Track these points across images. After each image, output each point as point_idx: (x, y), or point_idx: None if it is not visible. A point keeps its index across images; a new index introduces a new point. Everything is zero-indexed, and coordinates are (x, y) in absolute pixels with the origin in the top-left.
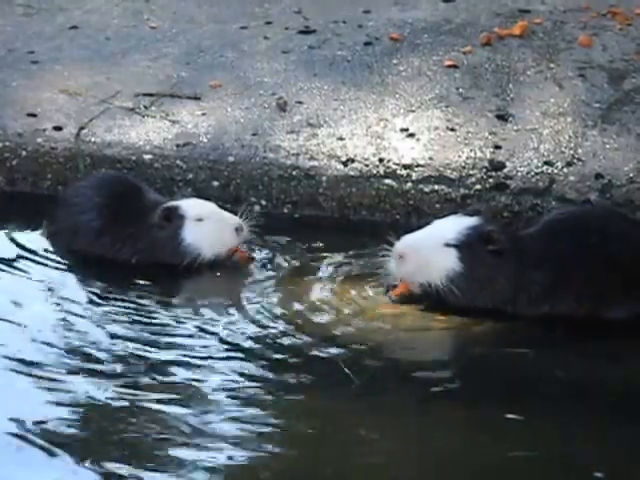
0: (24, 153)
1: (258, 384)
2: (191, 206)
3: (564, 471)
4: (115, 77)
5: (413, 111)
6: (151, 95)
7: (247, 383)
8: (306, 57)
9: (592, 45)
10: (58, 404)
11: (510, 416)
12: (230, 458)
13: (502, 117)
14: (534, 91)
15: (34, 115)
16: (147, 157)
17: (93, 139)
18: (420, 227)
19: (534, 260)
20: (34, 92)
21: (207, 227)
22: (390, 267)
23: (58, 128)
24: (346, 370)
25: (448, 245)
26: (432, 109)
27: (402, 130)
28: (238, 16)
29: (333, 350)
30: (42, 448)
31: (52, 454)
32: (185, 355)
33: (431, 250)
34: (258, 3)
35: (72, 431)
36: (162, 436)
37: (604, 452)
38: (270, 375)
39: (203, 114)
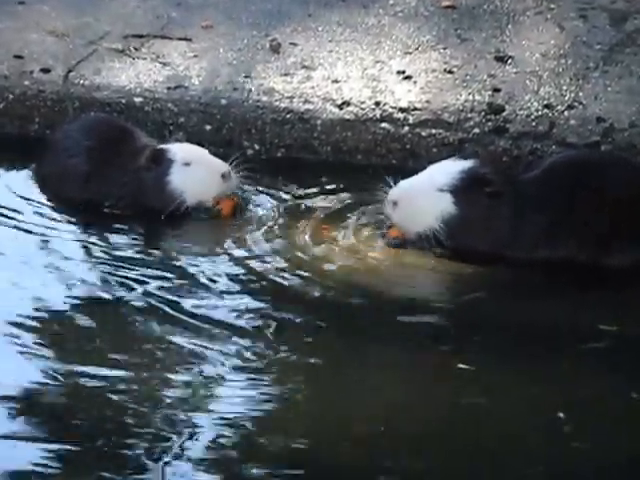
0: (11, 96)
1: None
2: (180, 150)
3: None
4: (103, 18)
5: (410, 53)
6: (141, 36)
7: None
8: None
9: None
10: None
11: (462, 366)
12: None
13: (501, 59)
14: (534, 32)
15: (21, 57)
16: (137, 100)
17: (82, 82)
18: (416, 171)
19: (534, 203)
20: (20, 33)
21: (194, 172)
22: (386, 212)
23: (46, 70)
24: None
25: (442, 190)
26: (429, 51)
27: (399, 72)
28: None
29: (318, 293)
30: None
31: None
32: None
33: (425, 195)
34: None
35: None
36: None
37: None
38: (247, 320)
39: (195, 56)
